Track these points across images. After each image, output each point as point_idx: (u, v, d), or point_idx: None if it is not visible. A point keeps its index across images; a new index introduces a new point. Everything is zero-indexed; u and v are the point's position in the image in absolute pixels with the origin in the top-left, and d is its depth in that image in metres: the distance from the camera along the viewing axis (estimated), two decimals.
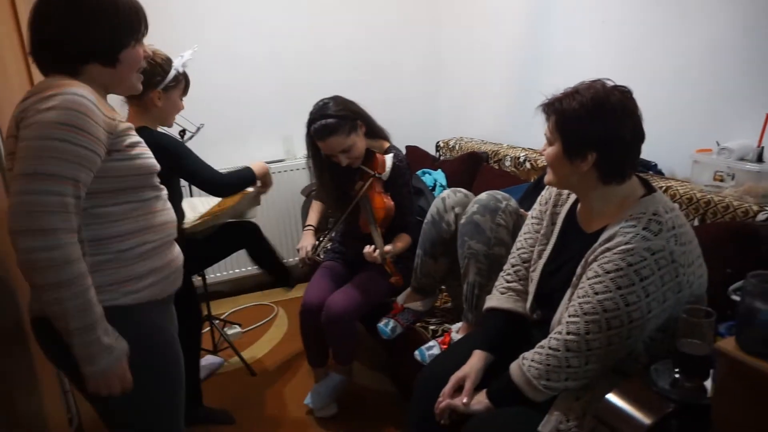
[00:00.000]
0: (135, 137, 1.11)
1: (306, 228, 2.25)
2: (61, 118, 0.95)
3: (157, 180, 1.16)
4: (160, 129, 1.83)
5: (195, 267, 2.16)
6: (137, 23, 1.10)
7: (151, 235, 1.12)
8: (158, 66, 1.73)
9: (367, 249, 1.89)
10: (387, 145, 2.07)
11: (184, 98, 1.87)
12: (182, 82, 1.84)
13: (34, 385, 1.31)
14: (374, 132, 2.03)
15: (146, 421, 1.17)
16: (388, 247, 1.89)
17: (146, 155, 1.12)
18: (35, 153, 0.94)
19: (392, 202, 1.98)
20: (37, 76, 1.28)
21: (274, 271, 2.32)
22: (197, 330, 2.14)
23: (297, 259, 2.17)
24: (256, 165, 1.98)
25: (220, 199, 2.03)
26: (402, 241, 2.00)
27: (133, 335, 1.08)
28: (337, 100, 1.95)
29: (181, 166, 1.80)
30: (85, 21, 1.03)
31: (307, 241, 2.17)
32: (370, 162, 2.00)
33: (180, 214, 1.95)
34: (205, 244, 2.03)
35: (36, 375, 1.33)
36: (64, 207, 0.95)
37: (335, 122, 1.88)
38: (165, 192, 1.19)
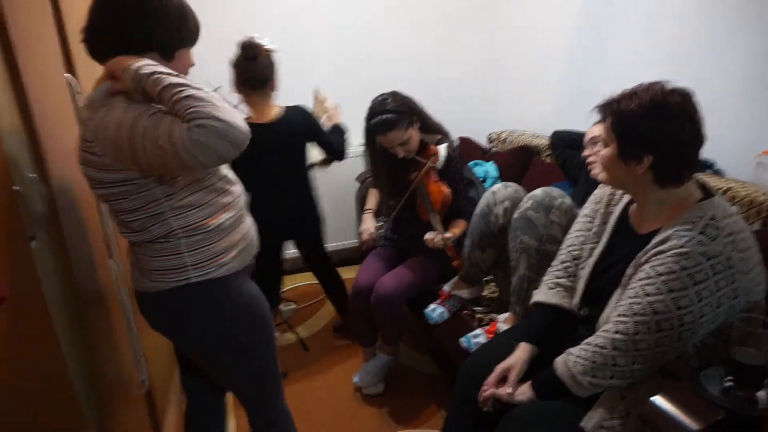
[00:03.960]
0: None
1: (366, 211, 2.34)
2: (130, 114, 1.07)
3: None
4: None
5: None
6: (197, 30, 1.23)
7: (229, 211, 1.26)
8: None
9: (428, 236, 1.95)
10: (439, 136, 2.10)
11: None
12: None
13: (114, 350, 1.45)
14: (428, 126, 2.08)
15: (259, 374, 1.37)
16: (448, 234, 1.94)
17: None
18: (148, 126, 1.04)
19: (448, 189, 2.03)
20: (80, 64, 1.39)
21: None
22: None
23: (359, 241, 2.30)
24: None
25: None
26: (459, 227, 2.04)
27: (233, 301, 1.27)
28: (395, 96, 1.99)
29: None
30: (159, 11, 1.14)
31: (369, 224, 2.27)
32: (424, 152, 2.04)
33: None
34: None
35: (115, 341, 1.47)
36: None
37: (394, 117, 1.93)
38: (227, 170, 1.31)
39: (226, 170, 1.30)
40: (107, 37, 1.14)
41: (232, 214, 1.27)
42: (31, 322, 0.98)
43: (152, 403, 1.72)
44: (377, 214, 2.36)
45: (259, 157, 2.13)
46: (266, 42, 2.05)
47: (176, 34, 1.18)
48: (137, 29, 1.13)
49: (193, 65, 1.26)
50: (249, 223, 1.35)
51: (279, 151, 2.19)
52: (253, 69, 2.06)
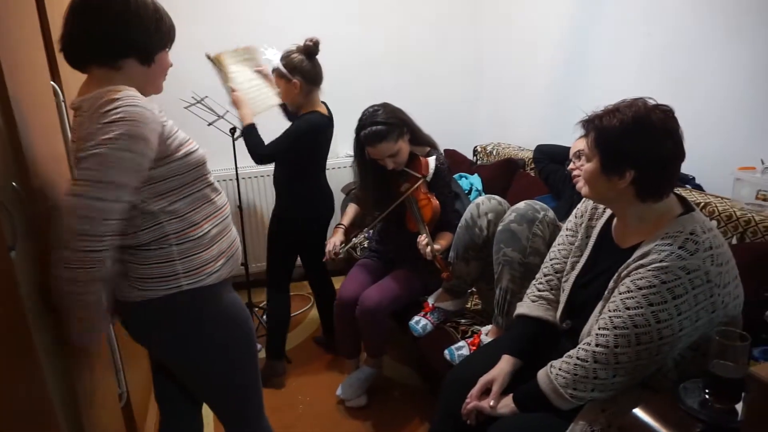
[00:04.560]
0: (179, 137, 1.19)
1: (337, 226, 2.31)
2: (125, 129, 1.04)
3: (207, 170, 1.27)
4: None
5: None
6: (173, 32, 1.23)
7: (216, 218, 1.26)
8: None
9: (420, 238, 1.94)
10: (428, 148, 2.11)
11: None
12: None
13: (93, 361, 1.42)
14: (418, 138, 2.09)
15: (239, 388, 1.35)
16: (437, 246, 1.94)
17: (193, 149, 1.22)
18: (100, 161, 1.02)
19: (438, 202, 2.03)
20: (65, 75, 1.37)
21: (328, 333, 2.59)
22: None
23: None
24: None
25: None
26: (445, 239, 2.05)
27: (221, 310, 1.27)
28: (386, 107, 2.00)
29: None
30: (136, 15, 1.13)
31: (336, 238, 2.23)
32: (413, 165, 2.05)
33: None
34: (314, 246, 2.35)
35: (94, 352, 1.44)
36: (120, 213, 1.06)
37: (385, 129, 1.94)
38: (213, 179, 1.30)
39: (212, 178, 1.29)
40: (85, 44, 1.12)
41: (219, 222, 1.27)
42: (9, 332, 0.96)
43: (131, 416, 1.69)
44: (355, 226, 2.35)
45: (327, 150, 2.28)
46: (271, 53, 2.14)
47: (155, 37, 1.17)
48: (115, 35, 1.11)
49: (171, 66, 1.26)
50: (235, 232, 1.35)
51: (331, 142, 2.32)
52: (319, 66, 2.16)
